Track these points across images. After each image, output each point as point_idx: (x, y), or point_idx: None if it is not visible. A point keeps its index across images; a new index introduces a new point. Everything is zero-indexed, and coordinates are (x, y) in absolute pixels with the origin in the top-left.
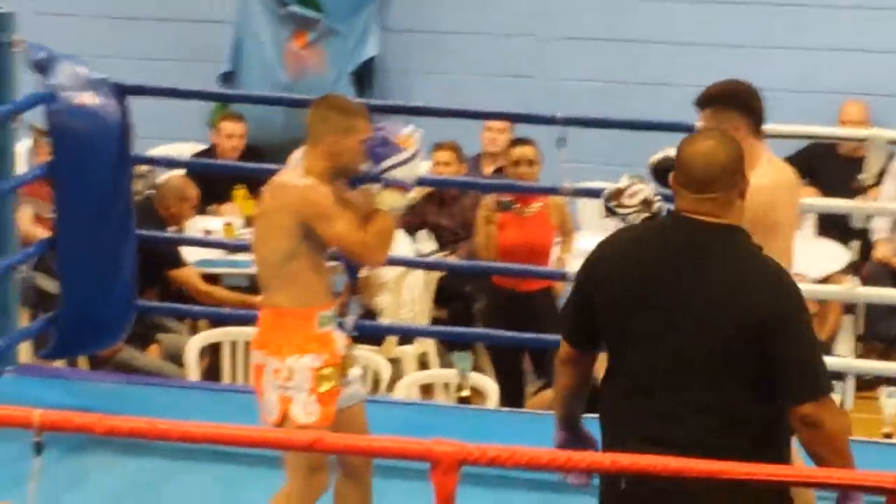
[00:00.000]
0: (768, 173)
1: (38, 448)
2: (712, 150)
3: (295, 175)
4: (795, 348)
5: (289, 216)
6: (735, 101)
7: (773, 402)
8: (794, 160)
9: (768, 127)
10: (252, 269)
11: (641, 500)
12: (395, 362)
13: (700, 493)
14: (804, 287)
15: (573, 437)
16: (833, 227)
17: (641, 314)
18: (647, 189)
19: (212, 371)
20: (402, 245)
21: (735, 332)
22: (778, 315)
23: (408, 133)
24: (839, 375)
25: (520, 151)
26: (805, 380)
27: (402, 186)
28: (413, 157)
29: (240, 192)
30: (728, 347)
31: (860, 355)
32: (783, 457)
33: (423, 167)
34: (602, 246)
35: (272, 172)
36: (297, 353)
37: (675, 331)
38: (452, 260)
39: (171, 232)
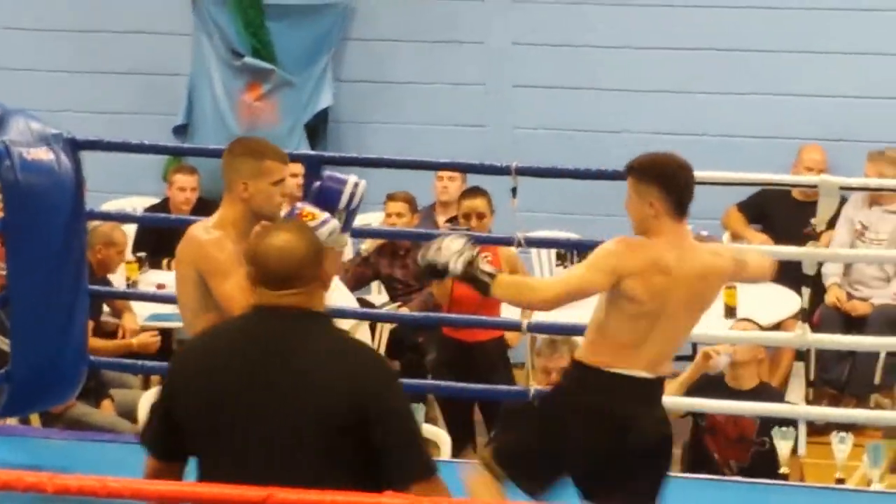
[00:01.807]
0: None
1: None
2: (287, 245)
3: (202, 227)
4: (395, 427)
5: (191, 268)
6: (655, 176)
7: (374, 485)
8: (747, 205)
9: (720, 174)
10: None
11: None
12: None
13: None
14: (757, 334)
15: None
16: (785, 272)
17: (227, 419)
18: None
19: None
20: (346, 297)
21: (326, 415)
22: (372, 399)
23: (310, 210)
24: (791, 422)
25: (469, 204)
26: (407, 460)
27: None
28: (322, 223)
29: None
30: (321, 432)
31: (811, 401)
32: None
33: (375, 218)
34: (185, 350)
35: None
36: None
37: (265, 429)
38: (405, 311)
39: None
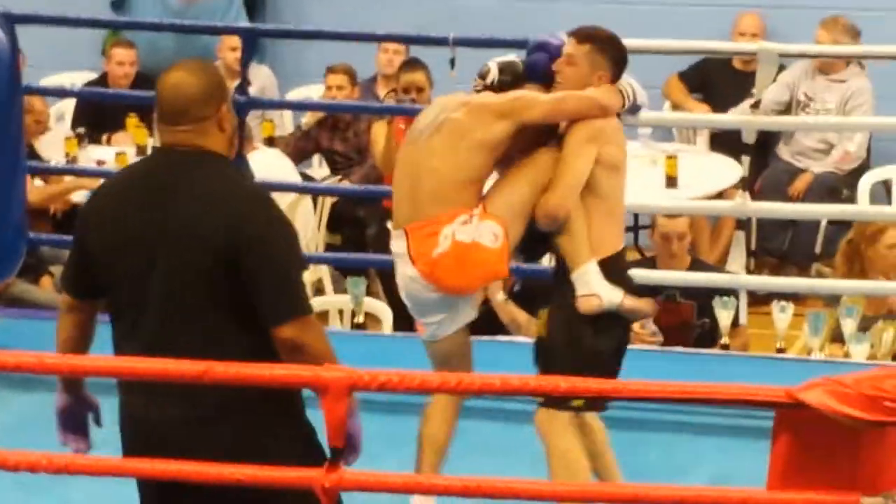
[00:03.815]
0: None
1: None
2: (181, 82)
3: None
4: (267, 268)
5: None
6: (611, 51)
7: (258, 329)
8: (688, 75)
9: (660, 42)
10: None
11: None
12: None
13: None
14: (697, 204)
15: (75, 400)
16: (726, 142)
17: (126, 253)
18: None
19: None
20: (290, 171)
21: (207, 256)
22: (247, 235)
23: None
24: (732, 292)
25: (409, 77)
26: (281, 299)
27: None
28: None
29: (132, 120)
30: (203, 273)
31: (752, 271)
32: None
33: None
34: (97, 190)
35: None
36: None
37: (157, 264)
38: (346, 185)
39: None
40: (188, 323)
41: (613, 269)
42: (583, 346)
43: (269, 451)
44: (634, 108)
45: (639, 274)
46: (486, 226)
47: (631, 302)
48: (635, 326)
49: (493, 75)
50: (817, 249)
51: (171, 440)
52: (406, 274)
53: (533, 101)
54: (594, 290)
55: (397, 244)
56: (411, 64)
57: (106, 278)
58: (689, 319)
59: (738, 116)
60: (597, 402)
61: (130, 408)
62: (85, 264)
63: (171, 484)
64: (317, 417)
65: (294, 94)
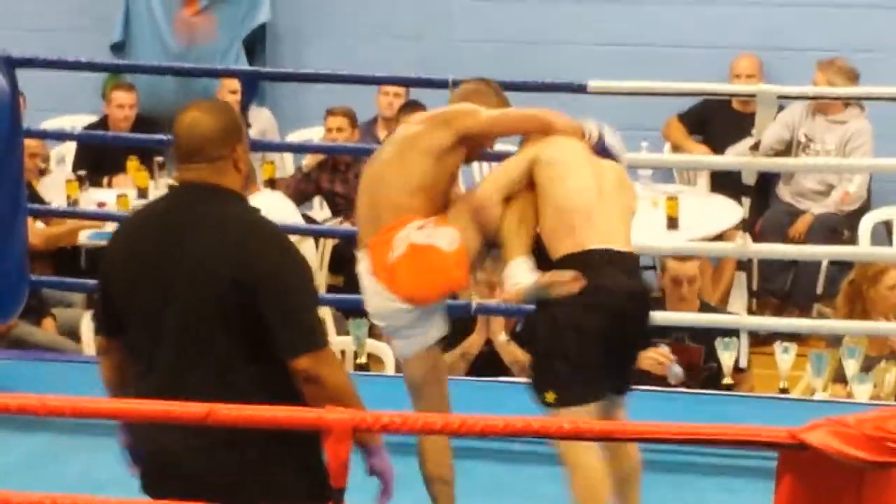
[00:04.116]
0: None
1: None
2: (197, 121)
3: None
4: (282, 302)
5: None
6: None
7: (272, 359)
8: (688, 116)
9: (659, 84)
10: None
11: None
12: None
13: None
14: (699, 245)
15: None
16: (726, 183)
17: (143, 289)
18: None
19: None
20: (292, 212)
21: (221, 291)
22: (261, 271)
23: None
24: (734, 332)
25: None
26: (297, 333)
27: None
28: None
29: (133, 163)
30: (218, 308)
31: (754, 312)
32: None
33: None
34: (118, 228)
35: (164, 143)
36: None
37: (172, 299)
38: (347, 227)
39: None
40: (203, 355)
41: (573, 267)
42: (556, 324)
43: (275, 481)
44: (601, 149)
45: None
46: (441, 231)
47: (546, 277)
48: (658, 364)
49: None
50: (819, 290)
51: (184, 467)
52: (370, 289)
53: (474, 112)
54: (515, 279)
55: (362, 264)
56: (411, 106)
57: (125, 314)
58: (697, 362)
59: (737, 158)
60: (570, 397)
61: (146, 437)
62: (108, 301)
63: None
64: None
65: (294, 137)
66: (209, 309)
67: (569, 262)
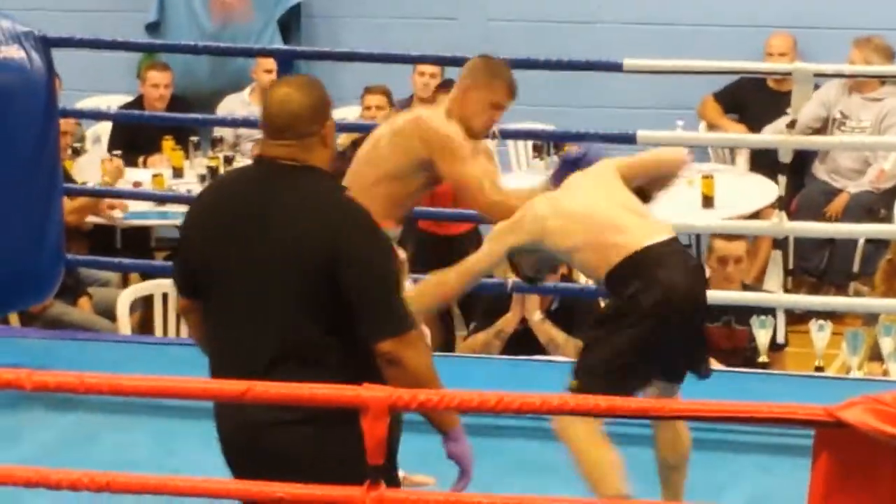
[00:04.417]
0: None
1: None
2: (287, 98)
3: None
4: (367, 284)
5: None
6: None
7: (351, 338)
8: (723, 95)
9: (696, 63)
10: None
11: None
12: None
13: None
14: (734, 223)
15: None
16: (763, 162)
17: (223, 254)
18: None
19: (144, 324)
20: None
21: (307, 267)
22: (348, 251)
23: None
24: (770, 310)
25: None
26: (382, 316)
27: None
28: None
29: (168, 143)
30: (302, 282)
31: (790, 290)
32: None
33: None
34: (202, 192)
35: (198, 122)
36: None
37: (253, 268)
38: None
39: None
40: (281, 327)
41: (635, 269)
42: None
43: (346, 457)
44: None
45: None
46: None
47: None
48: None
49: None
50: (855, 268)
51: (261, 442)
52: None
53: (457, 159)
54: None
55: None
56: (446, 86)
57: (203, 283)
58: (743, 345)
59: (772, 136)
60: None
61: (224, 413)
62: (187, 265)
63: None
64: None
65: None
66: (292, 282)
67: (628, 265)
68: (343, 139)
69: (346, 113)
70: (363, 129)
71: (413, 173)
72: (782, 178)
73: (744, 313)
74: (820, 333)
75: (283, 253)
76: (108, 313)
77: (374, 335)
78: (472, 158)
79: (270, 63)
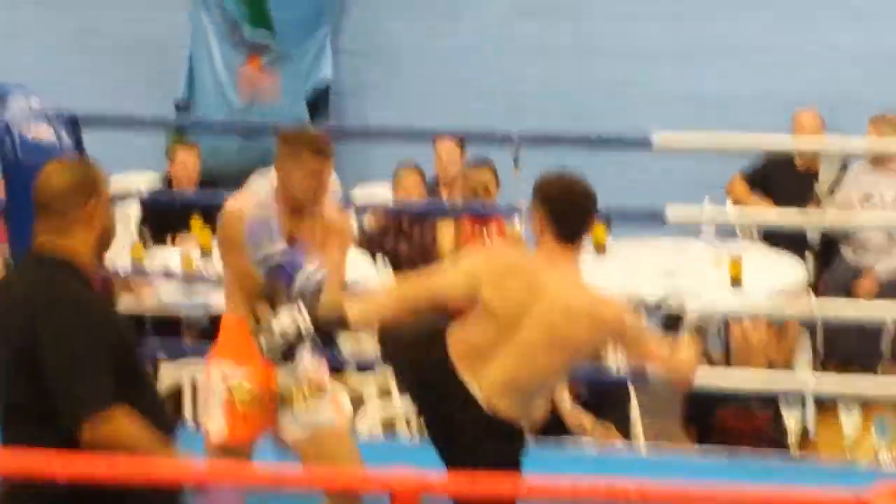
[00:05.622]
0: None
1: None
2: (49, 174)
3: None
4: (53, 363)
5: None
6: (541, 196)
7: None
8: (752, 175)
9: (728, 137)
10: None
11: None
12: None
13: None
14: (763, 306)
15: None
16: (790, 241)
17: None
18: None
19: None
20: (369, 266)
21: (11, 356)
22: (37, 333)
23: None
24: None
25: (477, 178)
26: (66, 403)
27: None
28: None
29: (196, 221)
30: (17, 377)
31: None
32: None
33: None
34: None
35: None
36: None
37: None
38: None
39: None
40: (21, 425)
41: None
42: None
43: None
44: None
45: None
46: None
47: None
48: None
49: None
50: (884, 350)
51: None
52: None
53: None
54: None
55: None
56: (478, 163)
57: None
58: (761, 428)
59: (801, 216)
60: None
61: None
62: None
63: None
64: None
65: (358, 193)
66: (10, 376)
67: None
68: (371, 221)
69: (376, 191)
70: (397, 212)
71: None
72: (810, 258)
73: (766, 399)
74: (848, 417)
75: (6, 345)
76: None
77: (71, 420)
78: None
79: None
